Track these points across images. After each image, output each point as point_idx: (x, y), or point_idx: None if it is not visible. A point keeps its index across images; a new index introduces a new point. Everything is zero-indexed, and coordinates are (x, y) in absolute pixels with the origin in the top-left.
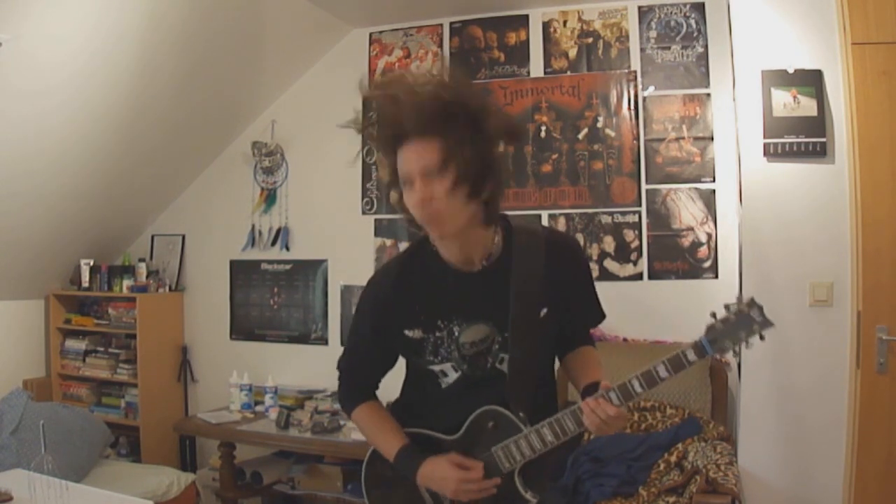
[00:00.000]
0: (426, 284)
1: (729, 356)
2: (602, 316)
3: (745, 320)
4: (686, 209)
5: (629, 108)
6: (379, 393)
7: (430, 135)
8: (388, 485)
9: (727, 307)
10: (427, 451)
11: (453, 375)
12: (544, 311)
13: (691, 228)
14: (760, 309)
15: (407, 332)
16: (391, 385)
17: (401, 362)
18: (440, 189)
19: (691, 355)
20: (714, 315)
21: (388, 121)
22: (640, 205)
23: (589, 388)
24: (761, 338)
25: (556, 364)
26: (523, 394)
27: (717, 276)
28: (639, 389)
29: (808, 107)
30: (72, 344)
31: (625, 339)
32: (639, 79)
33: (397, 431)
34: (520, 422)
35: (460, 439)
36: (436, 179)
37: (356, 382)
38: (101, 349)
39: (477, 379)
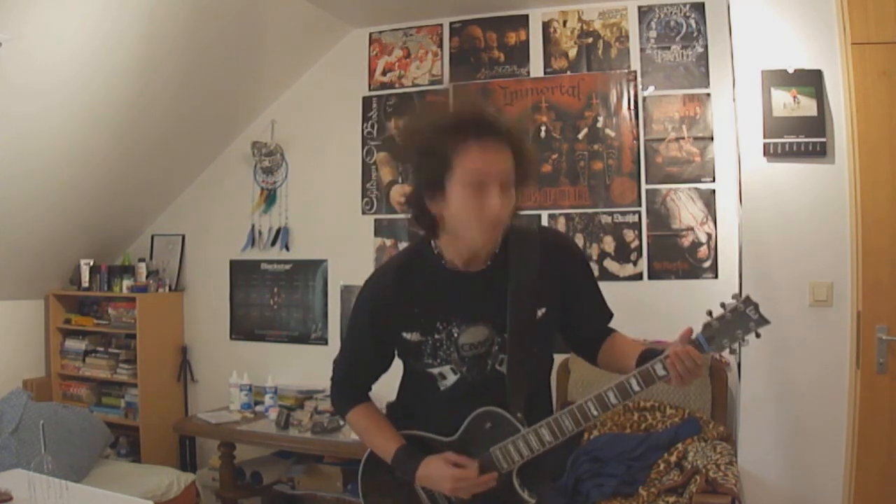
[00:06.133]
0: (425, 286)
1: (727, 354)
2: (610, 314)
3: (741, 318)
4: (686, 209)
5: (629, 108)
6: (374, 394)
7: (504, 142)
8: (385, 488)
9: (723, 305)
10: (425, 452)
11: (452, 378)
12: (542, 311)
13: (691, 228)
14: (756, 307)
15: (405, 334)
16: (388, 385)
17: (398, 364)
18: (509, 200)
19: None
20: (710, 313)
21: (467, 109)
22: (639, 205)
23: (645, 356)
24: (757, 335)
25: (555, 365)
26: (521, 394)
27: (716, 276)
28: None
29: (808, 107)
30: (72, 344)
31: None
32: (639, 79)
33: (394, 432)
34: (517, 422)
35: (458, 440)
36: (507, 189)
37: (350, 384)
38: (101, 349)
39: (476, 381)
